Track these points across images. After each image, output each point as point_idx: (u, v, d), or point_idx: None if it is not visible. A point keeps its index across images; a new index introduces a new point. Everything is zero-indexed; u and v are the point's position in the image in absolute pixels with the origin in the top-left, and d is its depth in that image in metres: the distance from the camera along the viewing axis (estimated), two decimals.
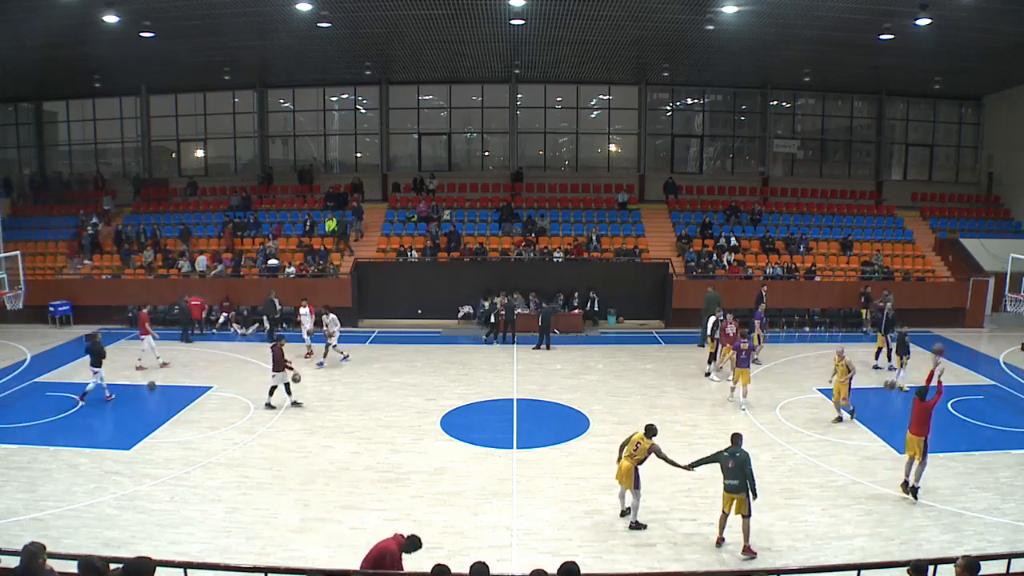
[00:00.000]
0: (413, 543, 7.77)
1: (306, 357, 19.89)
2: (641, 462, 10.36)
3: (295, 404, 15.89)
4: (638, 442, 10.39)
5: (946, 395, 16.36)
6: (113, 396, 16.29)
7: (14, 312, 21.35)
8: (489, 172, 31.77)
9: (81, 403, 15.77)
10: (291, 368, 15.92)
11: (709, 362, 18.90)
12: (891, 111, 31.56)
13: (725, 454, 9.86)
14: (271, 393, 15.84)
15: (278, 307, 22.68)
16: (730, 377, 16.74)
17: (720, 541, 9.91)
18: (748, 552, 9.61)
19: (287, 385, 15.89)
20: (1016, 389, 17.59)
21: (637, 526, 10.44)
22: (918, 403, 11.39)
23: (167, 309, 23.86)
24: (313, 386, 17.67)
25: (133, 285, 24.90)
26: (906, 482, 11.39)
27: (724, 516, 9.88)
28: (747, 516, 9.64)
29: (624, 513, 10.73)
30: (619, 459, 10.60)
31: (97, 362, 15.98)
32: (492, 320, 22.47)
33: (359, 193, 29.46)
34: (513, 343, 22.02)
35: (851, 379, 15.01)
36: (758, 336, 19.83)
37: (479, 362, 19.99)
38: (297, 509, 11.02)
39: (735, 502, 9.66)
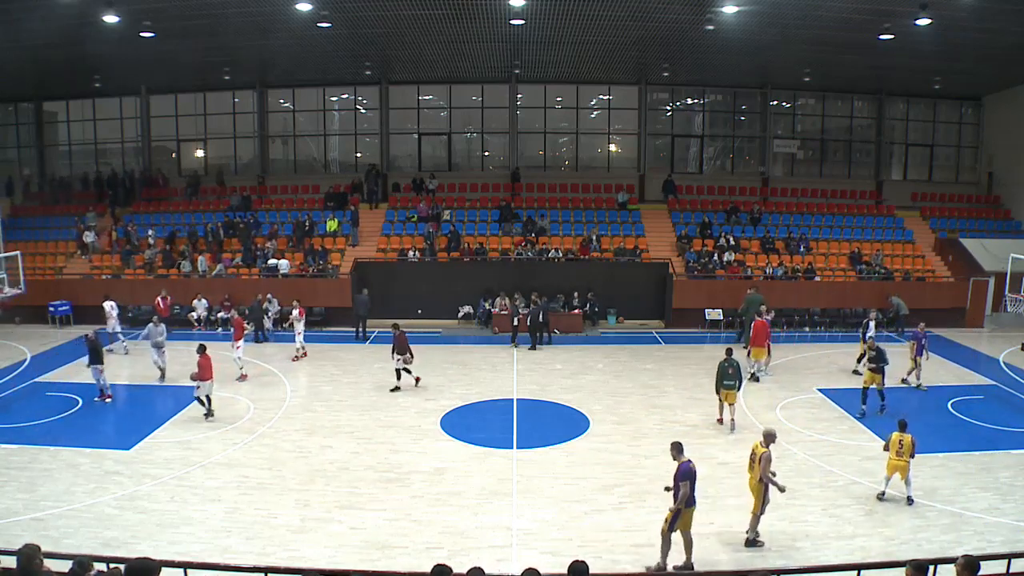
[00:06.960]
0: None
1: (294, 360, 19.96)
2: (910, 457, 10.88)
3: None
4: (901, 440, 10.95)
5: (946, 395, 16.69)
6: (111, 396, 16.33)
7: (14, 312, 21.33)
8: (489, 172, 31.76)
9: (109, 400, 16.15)
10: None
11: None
12: (891, 111, 31.54)
13: None
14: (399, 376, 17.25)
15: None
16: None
17: None
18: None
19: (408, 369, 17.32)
20: (1016, 389, 17.58)
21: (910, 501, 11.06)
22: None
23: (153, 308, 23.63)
24: (313, 386, 17.69)
25: (133, 285, 24.89)
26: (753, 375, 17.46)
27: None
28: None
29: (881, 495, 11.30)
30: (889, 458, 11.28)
31: (96, 359, 16.00)
32: (541, 320, 21.97)
33: (359, 194, 29.48)
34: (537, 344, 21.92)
35: None
36: (916, 360, 17.50)
37: (479, 362, 19.98)
38: (297, 509, 11.02)
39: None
